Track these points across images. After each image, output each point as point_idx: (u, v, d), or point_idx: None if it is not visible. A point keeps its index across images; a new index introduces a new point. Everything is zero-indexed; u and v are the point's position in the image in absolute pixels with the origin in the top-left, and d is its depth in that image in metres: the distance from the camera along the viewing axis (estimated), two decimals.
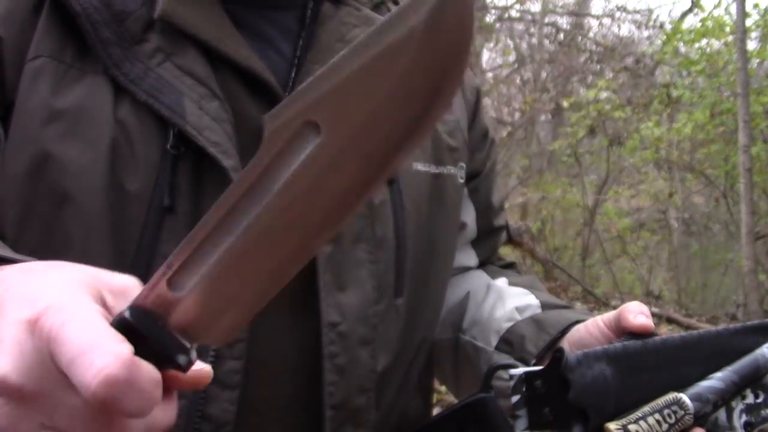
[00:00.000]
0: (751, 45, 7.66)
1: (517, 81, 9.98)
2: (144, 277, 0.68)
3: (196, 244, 0.45)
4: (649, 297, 8.22)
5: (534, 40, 10.14)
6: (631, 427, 0.65)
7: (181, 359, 0.45)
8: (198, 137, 0.69)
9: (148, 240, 0.69)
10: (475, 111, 0.99)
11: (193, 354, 0.46)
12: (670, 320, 6.49)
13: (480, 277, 1.01)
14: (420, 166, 0.85)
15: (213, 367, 0.69)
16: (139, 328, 0.44)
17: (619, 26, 10.52)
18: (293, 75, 0.78)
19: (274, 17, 0.81)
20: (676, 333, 0.75)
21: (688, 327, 6.26)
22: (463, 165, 0.92)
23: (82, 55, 0.71)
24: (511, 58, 10.04)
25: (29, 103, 0.68)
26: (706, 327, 6.39)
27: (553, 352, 0.71)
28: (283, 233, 0.44)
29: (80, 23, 0.70)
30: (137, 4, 0.72)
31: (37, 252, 0.68)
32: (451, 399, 3.42)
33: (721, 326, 0.75)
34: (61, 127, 0.68)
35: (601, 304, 7.20)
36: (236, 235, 0.44)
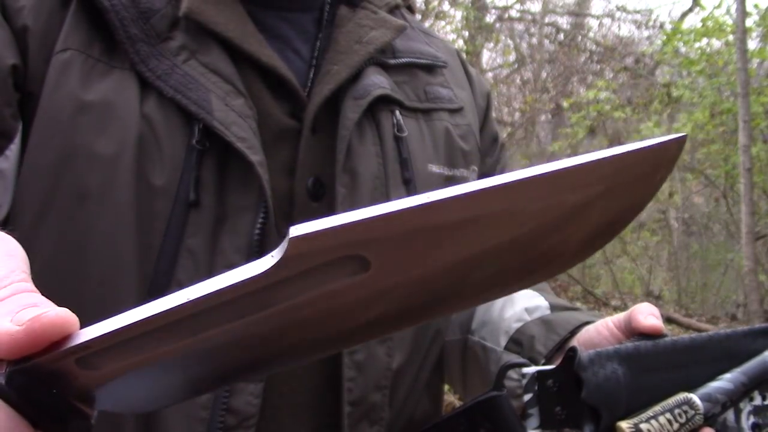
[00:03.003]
0: (751, 45, 7.66)
1: (517, 81, 9.98)
2: (169, 272, 0.69)
3: (137, 332, 0.38)
4: (649, 297, 8.22)
5: (534, 40, 10.14)
6: (643, 426, 0.66)
7: (75, 426, 0.40)
8: (225, 132, 0.70)
9: (174, 234, 0.69)
10: (485, 116, 1.00)
11: (94, 416, 0.41)
12: (670, 320, 6.50)
13: None
14: (434, 168, 0.86)
15: None
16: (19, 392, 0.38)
17: (619, 26, 10.52)
18: (311, 76, 0.80)
19: (292, 19, 0.82)
20: (685, 334, 0.76)
21: (688, 327, 6.27)
22: (476, 168, 0.93)
23: (110, 51, 0.72)
24: (511, 58, 10.04)
25: (57, 95, 0.69)
26: (706, 327, 6.39)
27: (566, 350, 0.72)
28: (255, 346, 0.38)
29: (108, 19, 0.71)
30: (163, 2, 0.74)
31: (53, 245, 0.69)
32: (452, 398, 3.42)
33: (728, 328, 0.76)
34: (89, 120, 0.69)
35: (601, 304, 7.21)
36: (195, 338, 0.38)
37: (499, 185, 0.34)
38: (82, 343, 0.37)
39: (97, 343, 0.37)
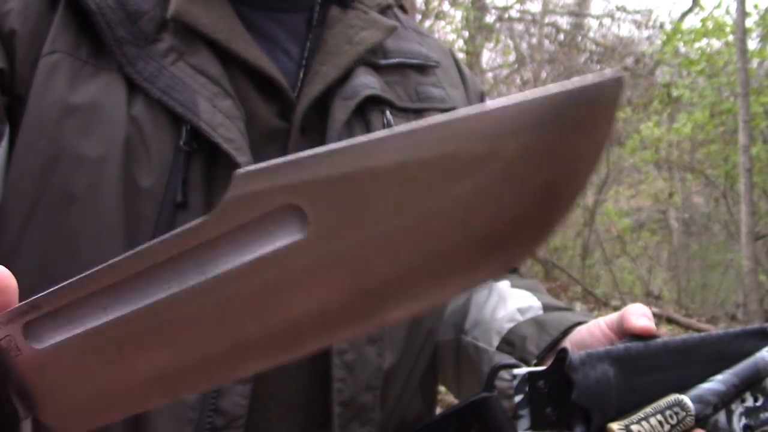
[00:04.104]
0: (751, 45, 7.66)
1: (517, 81, 9.98)
2: None
3: (83, 292, 0.36)
4: (649, 297, 8.23)
5: (534, 40, 10.14)
6: (634, 427, 0.65)
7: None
8: (212, 134, 0.70)
9: (161, 235, 0.69)
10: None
11: (25, 429, 0.38)
12: (670, 320, 6.50)
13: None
14: None
15: None
16: None
17: (619, 26, 10.52)
18: (301, 76, 0.80)
19: (282, 19, 0.82)
20: (677, 335, 0.75)
21: (688, 327, 6.27)
22: None
23: (97, 53, 0.72)
24: (511, 58, 10.04)
25: (45, 97, 0.69)
26: (706, 327, 6.40)
27: (556, 352, 0.72)
28: (202, 331, 0.35)
29: (95, 21, 0.71)
30: (151, 4, 0.74)
31: (41, 248, 0.69)
32: (451, 399, 3.42)
33: (721, 328, 0.76)
34: (77, 122, 0.69)
35: (601, 304, 7.21)
36: (139, 306, 0.35)
37: (433, 124, 0.32)
38: (32, 300, 0.36)
39: (45, 302, 0.36)
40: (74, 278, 0.36)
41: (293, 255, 0.33)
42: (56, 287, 0.36)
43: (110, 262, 0.35)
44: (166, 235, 0.35)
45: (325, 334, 0.35)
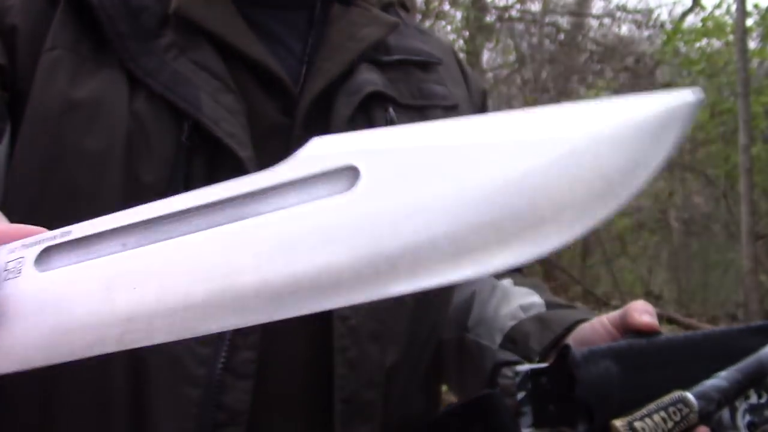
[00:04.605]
0: (751, 45, 7.66)
1: (517, 81, 9.97)
2: None
3: (112, 225, 0.36)
4: (649, 297, 8.22)
5: (534, 40, 10.13)
6: (637, 424, 0.65)
7: None
8: (214, 128, 0.69)
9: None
10: (482, 113, 0.99)
11: None
12: (670, 320, 6.49)
13: (485, 278, 1.01)
14: None
15: (228, 357, 0.70)
16: None
17: (619, 26, 10.49)
18: (303, 72, 0.80)
19: (283, 17, 0.82)
20: (680, 332, 0.75)
21: (688, 327, 6.27)
22: None
23: (99, 48, 0.72)
24: (511, 58, 10.03)
25: (46, 93, 0.69)
26: (706, 327, 6.39)
27: (559, 348, 0.71)
28: (216, 271, 0.34)
29: (97, 16, 0.71)
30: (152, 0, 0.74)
31: None
32: (452, 399, 3.41)
33: (724, 326, 0.76)
34: (78, 118, 0.69)
35: (602, 304, 7.21)
36: (160, 241, 0.35)
37: (513, 117, 0.34)
38: (66, 228, 0.37)
39: (78, 229, 0.37)
40: (114, 213, 0.37)
41: (331, 209, 0.34)
42: (94, 219, 0.37)
43: (150, 204, 0.37)
44: (221, 183, 0.36)
45: (327, 297, 0.34)
